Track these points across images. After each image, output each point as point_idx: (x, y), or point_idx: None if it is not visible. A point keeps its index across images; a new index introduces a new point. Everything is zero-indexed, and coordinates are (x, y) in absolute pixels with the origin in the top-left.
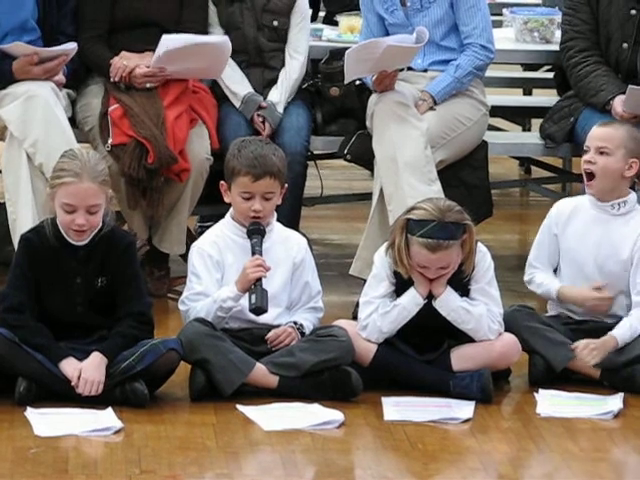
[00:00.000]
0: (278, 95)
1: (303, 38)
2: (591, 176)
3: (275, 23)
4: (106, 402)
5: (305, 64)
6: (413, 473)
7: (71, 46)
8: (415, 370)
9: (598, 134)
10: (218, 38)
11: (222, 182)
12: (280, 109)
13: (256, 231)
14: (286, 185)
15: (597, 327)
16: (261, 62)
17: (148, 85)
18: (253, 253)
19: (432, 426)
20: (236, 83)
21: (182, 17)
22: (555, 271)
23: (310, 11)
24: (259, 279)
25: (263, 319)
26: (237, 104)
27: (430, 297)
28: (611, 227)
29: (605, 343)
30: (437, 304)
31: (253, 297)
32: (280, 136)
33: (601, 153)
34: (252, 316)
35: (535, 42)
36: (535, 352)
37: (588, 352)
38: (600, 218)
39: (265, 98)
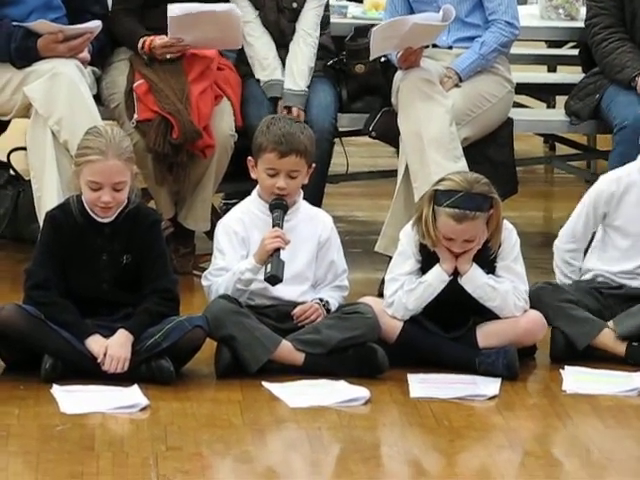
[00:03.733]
0: (292, 79)
1: (314, 20)
2: None
3: (294, 5)
4: (132, 379)
5: (316, 43)
6: (439, 450)
7: (96, 24)
8: (441, 347)
9: None
10: (224, 7)
11: (249, 158)
12: (302, 86)
13: (278, 205)
14: (313, 165)
15: (633, 294)
16: (284, 44)
17: (168, 56)
18: (274, 226)
19: (458, 403)
20: (267, 60)
21: None
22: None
23: None
24: (277, 250)
25: (288, 296)
26: (262, 77)
27: (456, 274)
28: None
29: None
30: (463, 281)
31: (269, 266)
32: (308, 113)
33: None
34: (277, 293)
35: (560, 19)
36: (558, 330)
37: None
38: None
39: None
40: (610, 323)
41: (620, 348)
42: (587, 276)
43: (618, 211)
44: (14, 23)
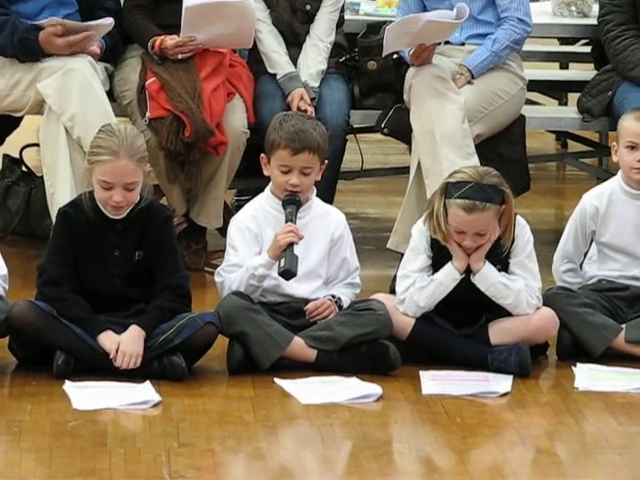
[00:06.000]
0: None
1: (328, 25)
2: None
3: (308, 7)
4: (144, 375)
5: (329, 48)
6: (451, 447)
7: (107, 21)
8: (453, 344)
9: None
10: None
11: (262, 155)
12: (315, 84)
13: (291, 201)
14: (326, 161)
15: (638, 294)
16: (296, 42)
17: (180, 56)
18: (287, 222)
19: (470, 400)
20: (280, 55)
21: None
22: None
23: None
24: (291, 244)
25: (300, 293)
26: (278, 75)
27: (468, 271)
28: None
29: None
30: (476, 279)
31: (282, 261)
32: (321, 109)
33: None
34: (289, 290)
35: (572, 16)
36: (576, 337)
37: None
38: (638, 204)
39: None
40: (623, 326)
41: (635, 349)
42: (591, 281)
43: (604, 227)
44: (23, 21)
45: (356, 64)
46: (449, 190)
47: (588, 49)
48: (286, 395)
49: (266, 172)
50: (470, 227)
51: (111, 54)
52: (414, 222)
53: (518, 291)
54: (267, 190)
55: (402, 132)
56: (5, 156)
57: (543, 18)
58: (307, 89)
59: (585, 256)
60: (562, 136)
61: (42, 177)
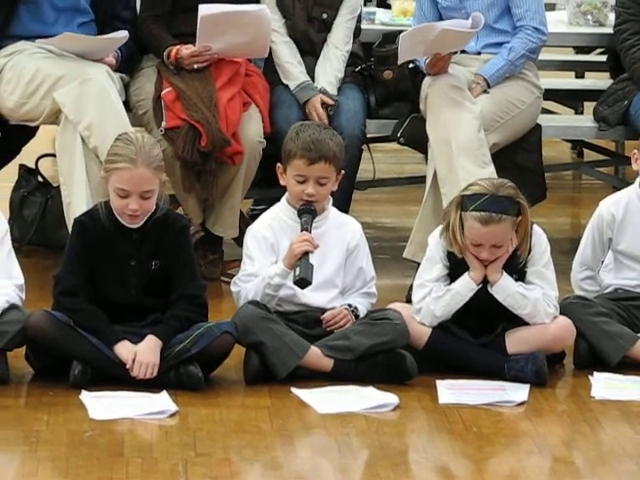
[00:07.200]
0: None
1: (345, 33)
2: None
3: (324, 16)
4: (161, 385)
5: (346, 56)
6: (468, 456)
7: (121, 34)
8: (469, 353)
9: None
10: (255, 7)
11: (278, 165)
12: (333, 92)
13: (306, 211)
14: (342, 172)
15: None
16: (312, 50)
17: (196, 66)
18: (302, 231)
19: (487, 409)
20: (293, 65)
21: None
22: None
23: (360, 7)
24: (306, 253)
25: (316, 302)
26: (291, 85)
27: (485, 281)
28: None
29: None
30: (493, 290)
31: (298, 270)
32: (337, 119)
33: None
34: (305, 299)
35: (588, 25)
36: (592, 346)
37: None
38: None
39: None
40: (639, 335)
41: None
42: (608, 290)
43: (620, 235)
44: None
45: (372, 73)
46: (465, 203)
47: (604, 58)
48: (303, 404)
49: (282, 182)
50: (487, 239)
51: (127, 65)
52: (430, 231)
53: (535, 301)
54: (283, 200)
55: (418, 141)
56: (21, 166)
57: (559, 27)
58: (327, 95)
59: (601, 264)
60: (578, 145)
61: (58, 187)
